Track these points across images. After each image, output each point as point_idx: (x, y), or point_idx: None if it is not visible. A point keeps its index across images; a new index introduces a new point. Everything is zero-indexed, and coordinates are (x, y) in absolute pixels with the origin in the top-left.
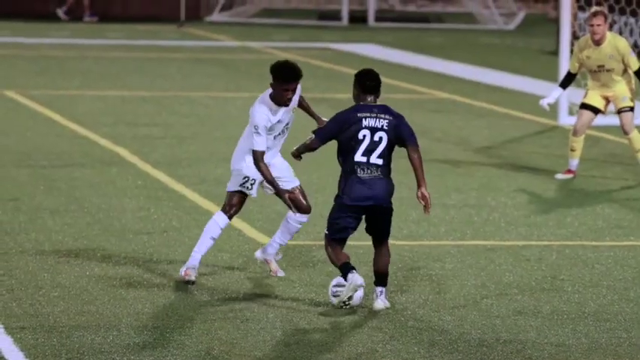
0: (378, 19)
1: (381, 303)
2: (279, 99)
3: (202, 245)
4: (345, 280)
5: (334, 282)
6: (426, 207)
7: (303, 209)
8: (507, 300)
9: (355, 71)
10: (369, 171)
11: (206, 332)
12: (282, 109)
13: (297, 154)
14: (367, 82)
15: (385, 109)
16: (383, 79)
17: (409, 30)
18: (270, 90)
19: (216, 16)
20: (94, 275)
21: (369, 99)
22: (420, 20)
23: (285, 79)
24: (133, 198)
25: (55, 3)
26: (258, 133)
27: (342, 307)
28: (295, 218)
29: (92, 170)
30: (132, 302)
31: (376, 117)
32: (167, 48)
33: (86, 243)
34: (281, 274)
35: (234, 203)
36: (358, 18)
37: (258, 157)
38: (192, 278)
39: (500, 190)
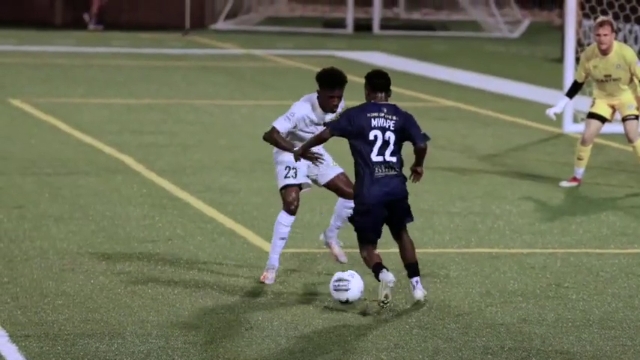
0: (383, 27)
1: (420, 292)
2: (326, 105)
3: (275, 247)
4: (378, 279)
5: (335, 277)
6: (417, 177)
7: (348, 196)
8: (512, 307)
9: (361, 79)
10: (386, 170)
11: (210, 340)
12: (328, 114)
13: (303, 152)
14: (376, 79)
15: (394, 110)
16: None
17: (414, 38)
18: (315, 94)
19: (220, 24)
20: (98, 283)
21: (379, 96)
22: (424, 28)
23: (330, 85)
24: (137, 206)
25: (55, 12)
26: (288, 118)
27: (381, 307)
28: (345, 204)
29: (97, 178)
30: (136, 310)
31: (384, 117)
32: (172, 56)
33: (91, 251)
34: (344, 259)
35: (291, 199)
36: (363, 26)
37: (272, 131)
38: (269, 281)
39: (504, 197)
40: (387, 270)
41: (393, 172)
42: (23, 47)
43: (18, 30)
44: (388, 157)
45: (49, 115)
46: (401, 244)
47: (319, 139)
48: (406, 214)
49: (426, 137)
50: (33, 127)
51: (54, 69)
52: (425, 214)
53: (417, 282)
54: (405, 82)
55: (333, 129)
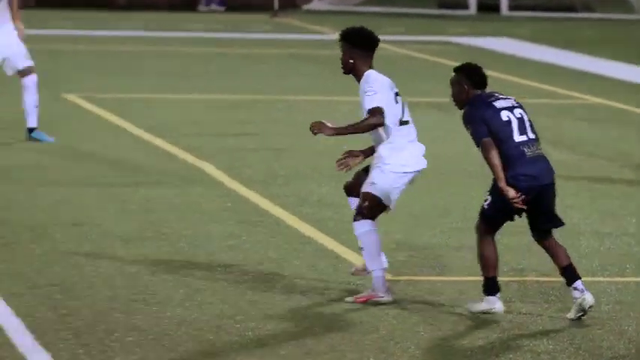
0: (512, 7)
1: (590, 296)
2: None
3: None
4: (485, 295)
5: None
6: None
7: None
8: None
9: (485, 72)
10: (533, 147)
11: None
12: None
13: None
14: (478, 77)
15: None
16: (517, 79)
17: (551, 20)
18: None
19: (315, 4)
20: (175, 316)
21: (479, 92)
22: (564, 9)
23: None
24: (220, 223)
25: None
26: (375, 92)
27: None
28: None
29: (171, 190)
30: (220, 347)
31: (501, 98)
32: (259, 42)
33: (165, 278)
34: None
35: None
36: (489, 6)
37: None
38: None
39: None
40: (498, 297)
41: (540, 150)
42: (79, 32)
43: (72, 11)
44: (531, 135)
45: (112, 113)
46: (550, 249)
47: (494, 155)
48: (553, 210)
49: None
50: (93, 129)
51: (117, 58)
52: (568, 234)
53: (580, 286)
54: (540, 74)
55: (482, 137)
